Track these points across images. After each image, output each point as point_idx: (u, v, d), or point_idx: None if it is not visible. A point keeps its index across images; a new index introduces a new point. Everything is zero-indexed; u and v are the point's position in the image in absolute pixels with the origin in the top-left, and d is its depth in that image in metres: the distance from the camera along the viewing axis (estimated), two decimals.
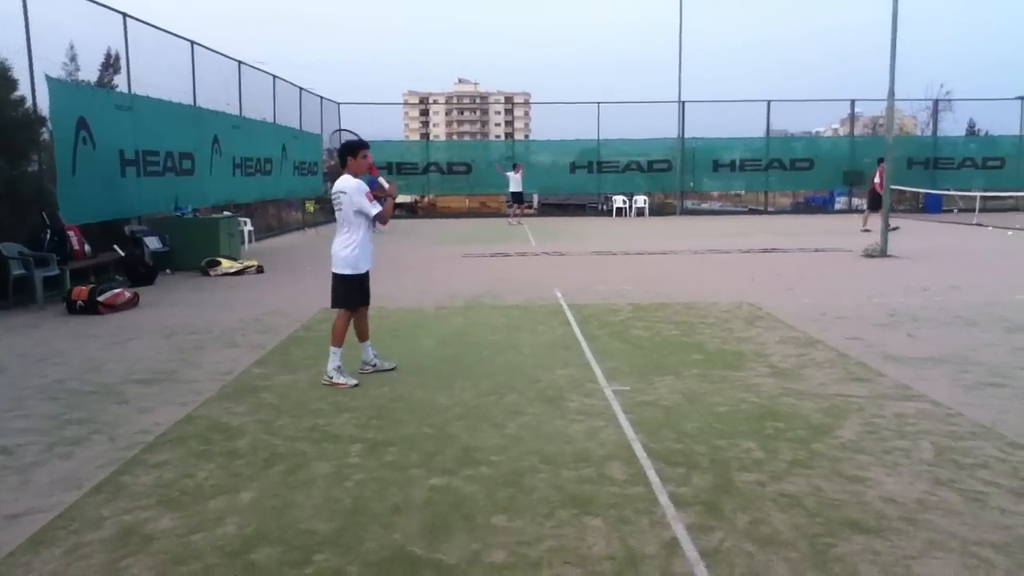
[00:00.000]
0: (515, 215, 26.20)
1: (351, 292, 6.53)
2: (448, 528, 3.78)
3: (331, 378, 6.41)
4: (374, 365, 6.80)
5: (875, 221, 20.53)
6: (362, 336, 6.82)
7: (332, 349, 6.46)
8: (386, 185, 6.66)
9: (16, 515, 3.99)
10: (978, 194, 26.32)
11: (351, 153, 6.45)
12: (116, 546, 3.63)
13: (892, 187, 16.17)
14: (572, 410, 5.62)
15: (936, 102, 33.15)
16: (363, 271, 6.54)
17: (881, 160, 21.35)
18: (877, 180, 20.57)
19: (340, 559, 3.49)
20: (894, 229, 19.63)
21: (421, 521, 3.86)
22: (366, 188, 6.42)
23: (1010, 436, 4.94)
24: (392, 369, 6.78)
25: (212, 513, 3.98)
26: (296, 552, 3.56)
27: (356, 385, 6.34)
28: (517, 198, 26.28)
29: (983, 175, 30.77)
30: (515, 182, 25.86)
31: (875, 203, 20.77)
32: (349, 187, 6.37)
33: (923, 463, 4.52)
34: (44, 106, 11.41)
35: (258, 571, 3.39)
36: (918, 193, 29.08)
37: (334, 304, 6.59)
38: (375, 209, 6.37)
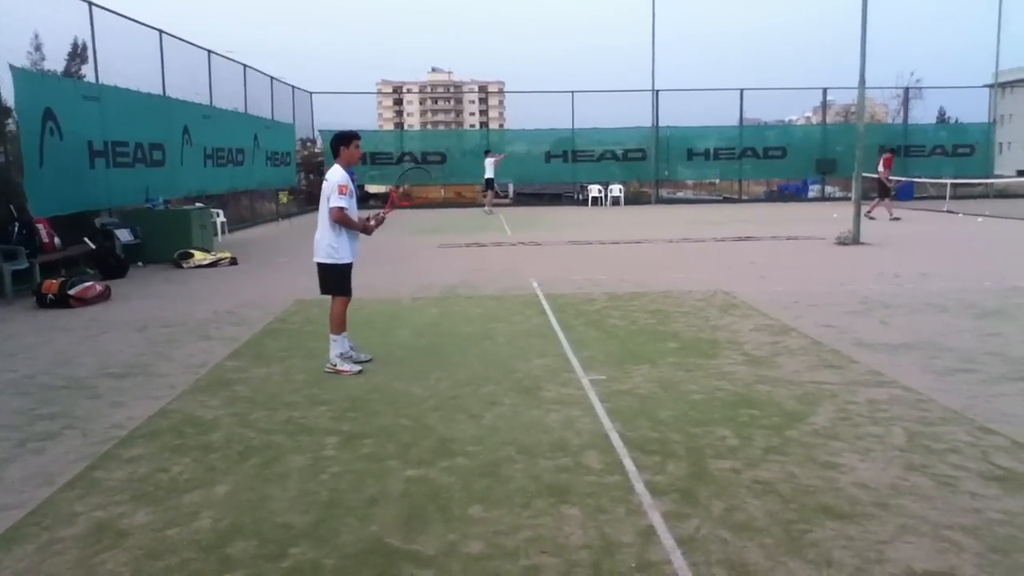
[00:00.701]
0: (488, 203, 26.23)
1: (346, 280, 6.55)
2: (425, 519, 3.78)
3: (335, 365, 6.44)
4: (350, 356, 6.75)
5: (880, 210, 20.80)
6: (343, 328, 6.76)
7: (333, 337, 6.50)
8: (372, 222, 6.64)
9: None
10: (948, 181, 26.64)
11: (344, 142, 6.48)
12: (90, 542, 3.59)
13: (865, 174, 16.31)
14: (548, 400, 5.63)
15: (907, 90, 33.52)
16: (351, 260, 6.55)
17: (883, 149, 21.62)
18: (882, 170, 20.79)
19: (316, 551, 3.48)
20: (895, 219, 19.89)
21: (398, 513, 3.86)
22: (345, 181, 6.39)
23: (980, 421, 5.01)
24: (368, 361, 6.75)
25: (187, 507, 3.95)
26: (272, 545, 3.54)
27: (360, 372, 6.39)
28: (489, 184, 26.33)
29: (953, 162, 31.15)
30: (489, 168, 25.95)
31: (885, 191, 21.01)
32: (332, 177, 6.41)
33: (895, 448, 4.58)
34: (9, 97, 11.25)
35: (234, 565, 3.37)
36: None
37: (329, 291, 6.58)
38: (337, 202, 6.34)
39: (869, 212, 20.40)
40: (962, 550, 3.37)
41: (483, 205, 27.01)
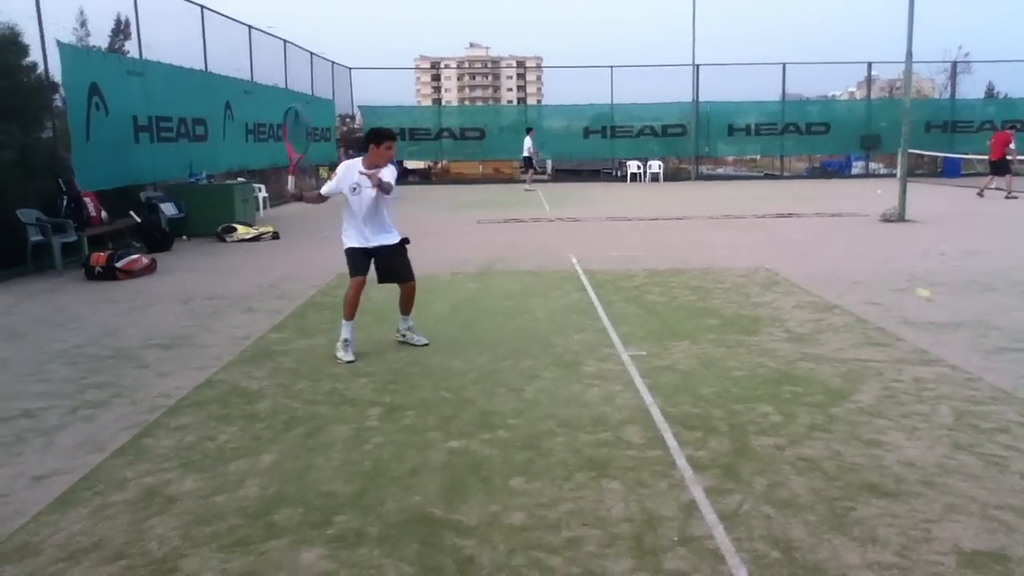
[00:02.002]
0: (529, 180, 26.34)
1: (352, 262, 6.36)
2: (466, 490, 3.81)
3: (335, 350, 6.29)
4: (404, 336, 6.67)
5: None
6: (401, 309, 6.68)
7: (343, 321, 6.34)
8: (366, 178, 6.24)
9: (42, 476, 4.05)
10: None
11: (375, 140, 6.21)
12: (140, 507, 3.68)
13: (910, 151, 15.98)
14: (588, 374, 5.63)
15: (954, 64, 32.62)
16: (361, 246, 6.35)
17: (1001, 130, 20.87)
18: (1012, 147, 20.27)
19: (360, 520, 3.52)
20: (1012, 197, 19.22)
21: (440, 483, 3.89)
22: (344, 171, 6.31)
23: None
24: (425, 345, 6.55)
25: (234, 475, 4.03)
26: (317, 513, 3.60)
27: (351, 362, 6.12)
28: (528, 161, 26.45)
29: None
30: (526, 147, 26.12)
31: (998, 169, 20.47)
32: (340, 168, 6.44)
33: (942, 427, 4.51)
34: (56, 72, 11.39)
35: (280, 531, 3.43)
36: (936, 157, 28.73)
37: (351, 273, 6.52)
38: (323, 185, 6.51)
39: (1009, 193, 19.66)
40: (1012, 530, 3.32)
41: (523, 181, 27.01)
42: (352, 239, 6.38)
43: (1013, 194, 19.40)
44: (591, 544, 3.29)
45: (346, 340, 6.26)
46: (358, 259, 6.36)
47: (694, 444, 4.32)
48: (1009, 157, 20.29)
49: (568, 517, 3.52)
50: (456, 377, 5.65)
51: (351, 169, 6.28)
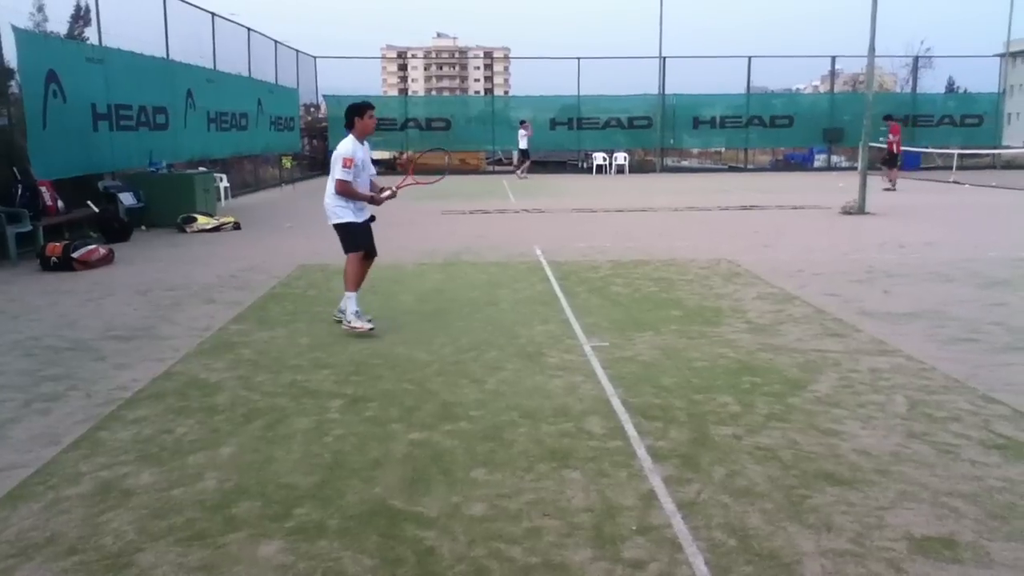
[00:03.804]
0: (523, 169, 27.02)
1: (357, 236, 6.69)
2: (428, 482, 3.80)
3: (349, 322, 6.54)
4: (338, 314, 6.84)
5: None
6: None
7: (347, 294, 6.59)
8: (385, 193, 6.78)
9: None
10: (956, 151, 26.46)
11: (358, 113, 6.56)
12: (95, 501, 3.63)
13: (872, 144, 16.21)
14: (551, 366, 5.65)
15: (916, 59, 33.22)
16: (353, 219, 6.65)
17: (888, 117, 21.39)
18: (893, 138, 20.61)
19: (320, 512, 3.50)
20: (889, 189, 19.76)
21: (401, 475, 3.88)
22: (351, 154, 6.46)
23: (982, 390, 5.02)
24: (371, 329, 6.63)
25: (192, 468, 3.98)
26: (276, 506, 3.57)
27: (372, 329, 6.47)
28: (524, 153, 27.33)
29: (961, 132, 30.95)
30: (523, 139, 26.94)
31: (890, 160, 20.85)
32: (339, 149, 6.56)
33: (897, 416, 4.59)
34: (12, 58, 11.15)
35: (239, 524, 3.40)
36: None
37: (347, 250, 6.72)
38: (341, 175, 6.47)
39: (891, 186, 20.18)
40: (961, 516, 3.39)
41: (487, 172, 27.19)
42: (348, 214, 6.64)
43: (892, 187, 20.09)
44: (551, 534, 3.30)
45: (356, 311, 6.56)
46: (359, 233, 6.70)
47: (654, 434, 4.35)
48: (896, 150, 20.92)
49: (529, 507, 3.53)
50: (420, 368, 5.63)
51: (356, 149, 6.53)
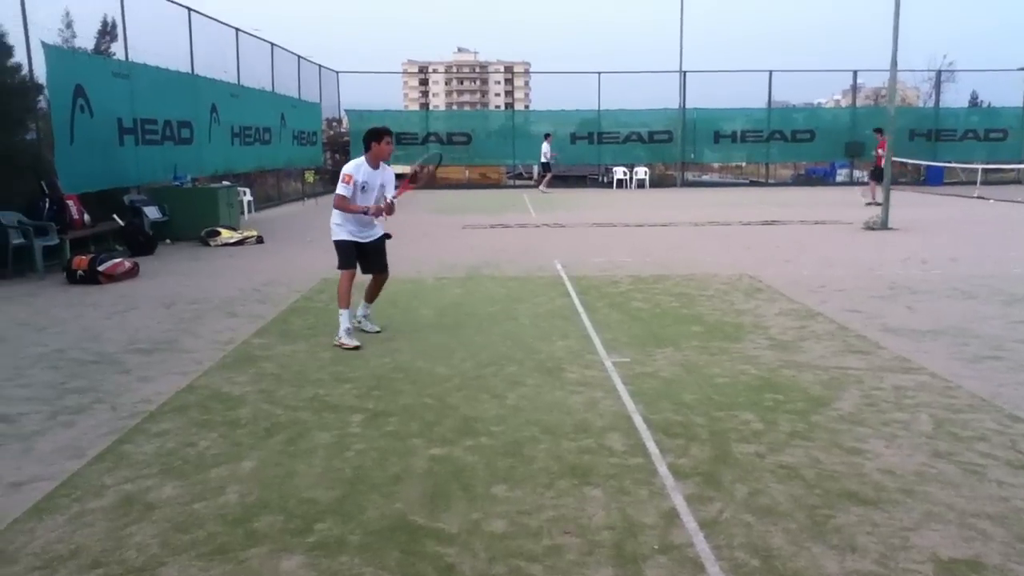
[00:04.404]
0: (545, 183, 26.89)
1: (345, 255, 6.88)
2: (448, 497, 3.80)
3: (339, 338, 6.70)
4: (359, 323, 7.12)
5: (866, 192, 20.50)
6: (367, 297, 7.19)
7: (339, 310, 6.78)
8: (372, 209, 6.81)
9: (20, 483, 4.01)
10: (980, 166, 26.22)
11: (375, 138, 6.74)
12: (119, 514, 3.65)
13: (894, 159, 16.10)
14: (571, 381, 5.64)
15: (939, 73, 32.99)
16: (354, 239, 6.85)
17: (878, 131, 21.29)
18: (881, 152, 20.47)
19: (341, 528, 3.51)
20: (873, 203, 19.61)
21: (422, 490, 3.88)
22: (352, 171, 6.70)
23: (1008, 408, 4.96)
24: (378, 332, 7.08)
25: (214, 482, 4.01)
26: (298, 520, 3.58)
27: (357, 347, 6.60)
28: (546, 167, 27.20)
29: (985, 147, 30.63)
30: (543, 153, 26.94)
31: (877, 175, 20.72)
32: (344, 167, 6.82)
33: (921, 435, 4.54)
34: (40, 73, 11.32)
35: (260, 539, 3.42)
36: (919, 165, 28.98)
37: (338, 265, 6.96)
38: (338, 190, 6.74)
39: (872, 200, 20.07)
40: (989, 538, 3.34)
41: (507, 187, 27.24)
42: (343, 232, 6.86)
43: (875, 202, 19.77)
44: (572, 552, 3.29)
45: (348, 329, 6.74)
46: (349, 252, 6.88)
47: (675, 451, 4.33)
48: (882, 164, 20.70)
49: (549, 525, 3.52)
50: (440, 383, 5.64)
51: (359, 169, 6.74)
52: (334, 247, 6.98)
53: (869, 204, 19.64)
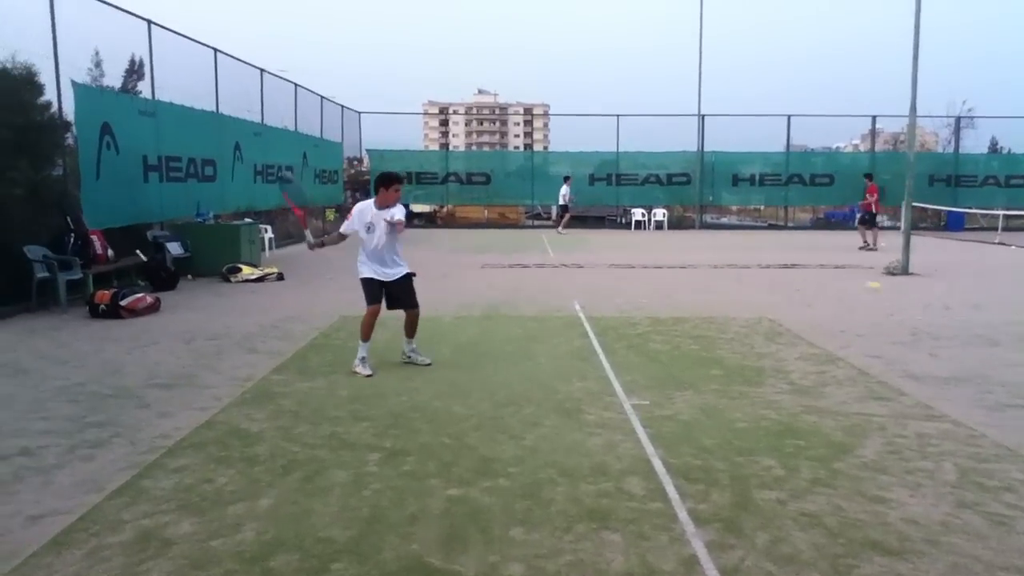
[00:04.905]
0: (563, 224, 26.89)
1: (368, 291, 7.20)
2: (465, 539, 3.77)
3: (354, 366, 7.11)
4: (409, 357, 7.47)
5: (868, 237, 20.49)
6: (406, 333, 7.48)
7: (360, 341, 7.18)
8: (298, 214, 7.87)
9: (38, 516, 4.02)
10: (1001, 212, 26.09)
11: (384, 183, 7.11)
12: (136, 550, 3.65)
13: (914, 204, 16.05)
14: (590, 423, 5.60)
15: (958, 119, 32.98)
16: (376, 277, 7.18)
17: (868, 176, 21.42)
18: (871, 198, 20.55)
19: (357, 568, 3.49)
20: (868, 248, 19.63)
21: (438, 531, 3.86)
22: (355, 210, 7.26)
23: None
24: (428, 365, 7.37)
25: (231, 519, 4.00)
26: (314, 560, 3.56)
27: (369, 375, 6.96)
28: (564, 208, 27.25)
29: (1005, 193, 30.50)
30: (562, 194, 26.95)
31: (867, 220, 20.79)
32: (355, 209, 7.31)
33: (946, 484, 4.47)
34: (69, 111, 11.54)
35: None
36: (940, 211, 28.87)
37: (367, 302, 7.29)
38: (344, 225, 7.42)
39: (871, 244, 20.08)
40: None
41: (526, 227, 27.34)
42: (367, 271, 7.21)
43: (873, 247, 19.93)
44: None
45: (363, 358, 7.11)
46: (373, 289, 7.19)
47: (696, 497, 4.29)
48: (875, 209, 20.87)
49: (567, 569, 3.48)
50: (457, 422, 5.62)
51: (364, 210, 7.16)
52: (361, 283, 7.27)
53: (862, 248, 19.65)
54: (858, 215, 22.25)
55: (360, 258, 7.23)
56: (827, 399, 6.23)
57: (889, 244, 19.28)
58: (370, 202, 7.21)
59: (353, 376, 6.93)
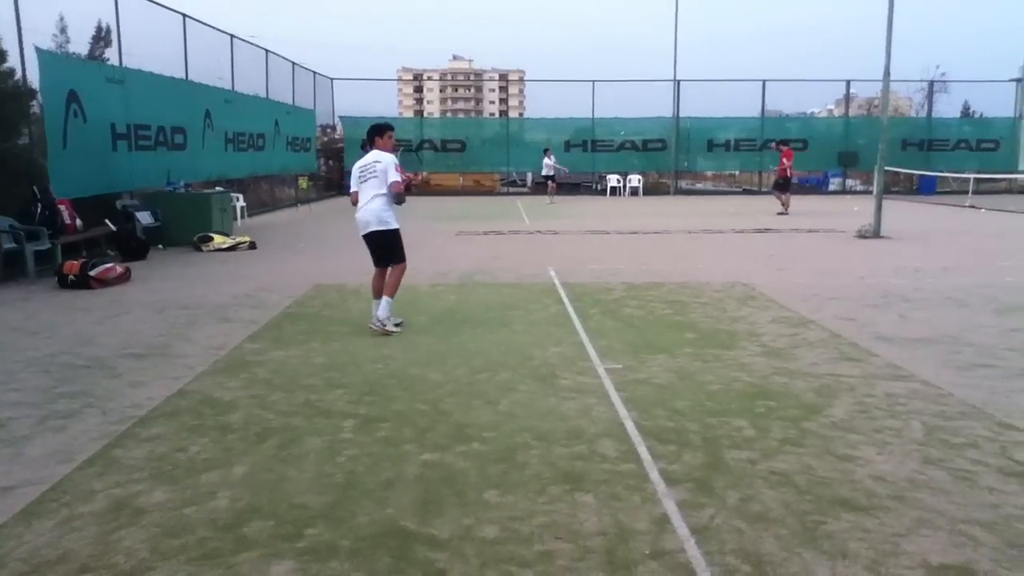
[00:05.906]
0: (551, 193, 26.49)
1: (401, 243, 7.44)
2: (440, 503, 3.79)
3: (384, 326, 7.27)
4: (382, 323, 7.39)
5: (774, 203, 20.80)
6: (386, 291, 7.43)
7: (388, 300, 7.34)
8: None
9: (8, 488, 3.99)
10: (972, 176, 26.34)
11: (379, 133, 7.33)
12: (108, 519, 3.63)
13: (887, 168, 16.17)
14: (565, 388, 5.63)
15: (931, 83, 33.13)
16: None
17: (783, 142, 21.64)
18: (787, 163, 20.76)
19: (332, 533, 3.50)
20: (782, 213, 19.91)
21: (413, 496, 3.87)
22: (398, 162, 7.39)
23: (999, 416, 4.97)
24: (399, 324, 7.47)
25: (205, 487, 3.99)
26: (288, 526, 3.57)
27: (399, 324, 7.40)
28: (549, 178, 26.83)
29: (977, 157, 30.82)
30: (547, 167, 26.49)
31: (781, 185, 21.01)
32: (386, 158, 7.28)
33: (913, 442, 4.54)
34: (34, 78, 11.33)
35: (250, 544, 3.40)
36: (912, 175, 29.11)
37: (389, 260, 7.43)
38: (397, 177, 7.25)
39: (784, 210, 20.30)
40: (979, 544, 3.35)
41: (502, 194, 27.18)
42: (397, 222, 7.48)
43: (785, 211, 20.27)
44: (563, 558, 3.28)
45: (387, 316, 7.34)
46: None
47: (668, 458, 4.33)
48: (789, 175, 21.14)
49: (541, 530, 3.51)
50: (433, 389, 5.63)
51: (396, 160, 7.41)
52: (388, 237, 7.41)
53: (780, 214, 19.86)
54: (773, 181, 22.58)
55: (389, 209, 7.32)
56: (798, 361, 6.30)
57: (862, 208, 19.42)
58: (384, 152, 7.34)
59: (327, 344, 6.90)
